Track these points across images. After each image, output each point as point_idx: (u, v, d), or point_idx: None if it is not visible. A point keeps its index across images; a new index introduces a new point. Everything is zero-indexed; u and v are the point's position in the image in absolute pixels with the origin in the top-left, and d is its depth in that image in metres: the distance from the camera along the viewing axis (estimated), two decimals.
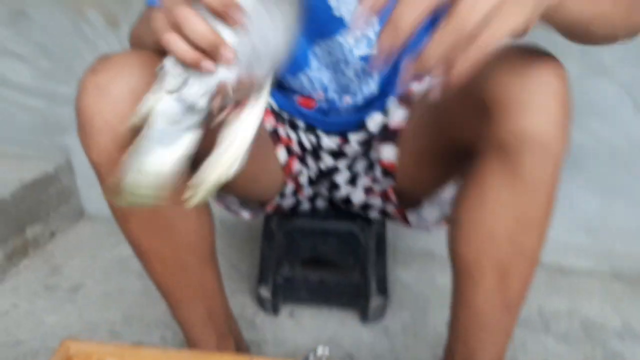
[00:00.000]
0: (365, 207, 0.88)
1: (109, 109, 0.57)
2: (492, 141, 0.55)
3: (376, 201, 0.85)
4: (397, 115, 0.78)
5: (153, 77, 0.54)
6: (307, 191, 0.88)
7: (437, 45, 0.40)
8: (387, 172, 0.80)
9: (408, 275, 1.18)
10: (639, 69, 1.02)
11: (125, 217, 0.66)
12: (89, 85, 0.58)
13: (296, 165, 0.84)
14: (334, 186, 0.86)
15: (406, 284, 1.15)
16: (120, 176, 0.51)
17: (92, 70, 0.59)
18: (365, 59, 0.75)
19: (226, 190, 0.82)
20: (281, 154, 0.82)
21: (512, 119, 0.52)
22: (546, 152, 0.52)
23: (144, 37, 0.68)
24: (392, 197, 0.82)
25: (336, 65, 0.77)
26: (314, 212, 0.95)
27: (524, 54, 0.53)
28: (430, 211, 0.85)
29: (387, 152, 0.79)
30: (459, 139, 0.62)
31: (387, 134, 0.79)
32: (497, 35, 0.40)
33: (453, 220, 0.64)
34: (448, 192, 0.80)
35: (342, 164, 0.84)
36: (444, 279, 1.16)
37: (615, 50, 1.00)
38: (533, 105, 0.51)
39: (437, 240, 1.25)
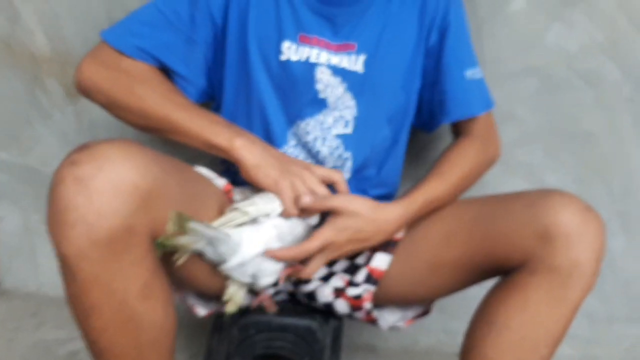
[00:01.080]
0: (329, 306, 0.87)
1: (86, 204, 0.55)
2: (549, 262, 0.66)
3: (341, 306, 0.85)
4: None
5: (135, 170, 0.58)
6: (270, 290, 0.87)
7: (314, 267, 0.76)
8: (372, 278, 0.82)
9: None
10: None
11: (87, 312, 0.61)
12: (67, 177, 0.56)
13: None
14: (304, 280, 0.85)
15: None
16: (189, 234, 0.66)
17: (71, 161, 0.57)
18: (341, 137, 0.81)
19: (185, 282, 0.80)
20: None
21: (573, 249, 0.65)
22: (587, 280, 0.66)
23: (117, 93, 0.77)
24: (366, 303, 0.83)
25: (313, 143, 0.81)
26: None
27: (581, 201, 0.68)
28: (392, 314, 0.87)
29: (380, 260, 0.81)
30: (503, 255, 0.70)
31: (386, 243, 0.80)
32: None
33: (484, 321, 0.72)
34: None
35: None
36: None
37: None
38: (589, 243, 0.65)
39: (379, 334, 1.26)
